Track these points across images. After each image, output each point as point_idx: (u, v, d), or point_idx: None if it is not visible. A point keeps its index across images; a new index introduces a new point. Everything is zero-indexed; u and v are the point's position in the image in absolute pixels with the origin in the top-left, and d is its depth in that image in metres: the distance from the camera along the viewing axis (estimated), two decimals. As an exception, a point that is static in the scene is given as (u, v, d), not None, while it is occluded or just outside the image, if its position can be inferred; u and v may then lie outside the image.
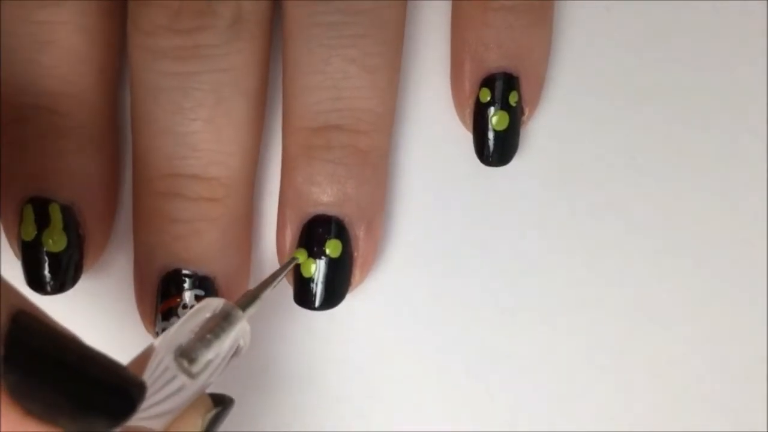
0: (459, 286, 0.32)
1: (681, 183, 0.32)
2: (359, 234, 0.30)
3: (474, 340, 0.32)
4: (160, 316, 0.29)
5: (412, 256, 0.32)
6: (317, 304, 0.30)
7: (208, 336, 0.24)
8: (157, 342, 0.24)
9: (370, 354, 0.32)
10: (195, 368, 0.24)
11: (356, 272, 0.30)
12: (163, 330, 0.28)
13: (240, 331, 0.25)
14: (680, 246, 0.32)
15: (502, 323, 0.32)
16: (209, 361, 0.24)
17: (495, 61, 0.30)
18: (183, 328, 0.24)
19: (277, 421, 0.32)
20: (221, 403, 0.26)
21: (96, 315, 0.32)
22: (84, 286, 0.30)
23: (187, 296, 0.29)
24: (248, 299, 0.26)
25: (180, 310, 0.29)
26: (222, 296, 0.29)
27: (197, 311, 0.25)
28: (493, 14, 0.30)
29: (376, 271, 0.32)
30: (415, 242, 0.32)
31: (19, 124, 0.29)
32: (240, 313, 0.25)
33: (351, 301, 0.30)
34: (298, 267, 0.30)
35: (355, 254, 0.30)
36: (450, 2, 0.32)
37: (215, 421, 0.25)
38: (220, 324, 0.24)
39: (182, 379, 0.23)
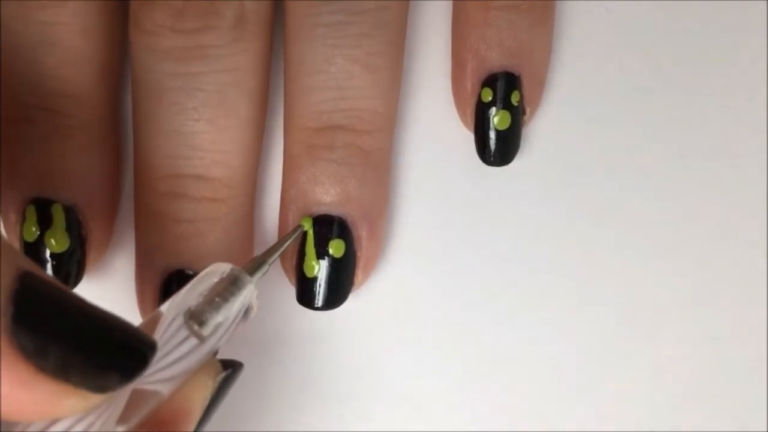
0: (460, 286, 0.32)
1: (681, 183, 0.32)
2: (362, 234, 0.30)
3: (474, 340, 0.32)
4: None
5: (412, 255, 0.32)
6: (320, 304, 0.30)
7: (217, 299, 0.24)
8: (165, 307, 0.24)
9: (371, 354, 0.32)
10: (205, 330, 0.24)
11: (359, 272, 0.30)
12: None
13: (248, 294, 0.25)
14: (680, 246, 0.32)
15: (502, 323, 0.32)
16: (219, 324, 0.24)
17: (497, 61, 0.30)
18: (191, 293, 0.24)
19: (277, 420, 0.32)
20: (231, 366, 0.26)
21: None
22: (86, 286, 0.30)
23: None
24: (255, 265, 0.26)
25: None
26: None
27: (205, 276, 0.25)
28: (495, 13, 0.30)
29: (378, 270, 0.32)
30: (416, 242, 0.32)
31: (22, 125, 0.29)
32: (247, 277, 0.25)
33: (353, 301, 0.30)
34: (301, 266, 0.30)
35: (358, 254, 0.30)
36: (451, 2, 0.32)
37: (225, 383, 0.26)
38: (228, 288, 0.25)
39: (191, 342, 0.23)
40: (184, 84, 0.28)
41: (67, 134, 0.29)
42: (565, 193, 0.32)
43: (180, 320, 0.24)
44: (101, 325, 0.21)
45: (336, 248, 0.29)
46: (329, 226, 0.29)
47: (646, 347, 0.32)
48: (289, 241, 0.28)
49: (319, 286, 0.30)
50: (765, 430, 0.32)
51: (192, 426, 0.25)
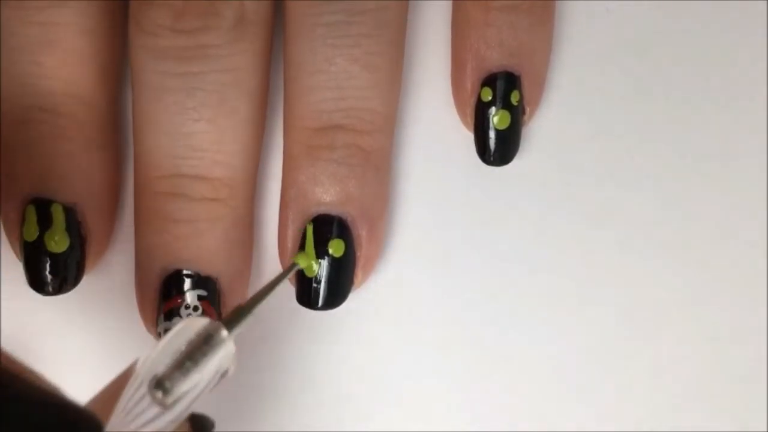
0: (460, 286, 0.32)
1: (681, 183, 0.32)
2: (362, 234, 0.30)
3: (474, 340, 0.32)
4: (162, 317, 0.29)
5: (412, 255, 0.32)
6: (320, 303, 0.30)
7: (188, 363, 0.22)
8: (138, 364, 0.22)
9: (371, 354, 0.32)
10: (169, 399, 0.22)
11: (359, 272, 0.30)
12: (166, 330, 0.28)
13: (224, 355, 0.23)
14: (680, 246, 0.32)
15: (502, 323, 0.32)
16: (187, 391, 0.22)
17: (497, 60, 0.30)
18: (164, 353, 0.23)
19: (277, 421, 0.32)
20: (200, 429, 0.24)
21: (97, 315, 0.32)
22: (86, 286, 0.30)
23: (189, 297, 0.29)
24: (237, 316, 0.24)
25: (182, 310, 0.29)
26: (224, 296, 0.30)
27: (179, 333, 0.23)
28: (496, 13, 0.30)
29: (378, 270, 0.32)
30: (416, 242, 0.32)
31: (21, 126, 0.29)
32: (223, 335, 0.23)
33: (353, 301, 0.30)
34: (300, 265, 0.30)
35: (358, 254, 0.30)
36: (451, 2, 0.32)
37: None
38: (201, 348, 0.23)
39: (157, 408, 0.22)
40: (184, 84, 0.28)
41: (67, 135, 0.29)
42: (565, 193, 0.32)
43: (146, 387, 0.22)
44: (34, 413, 0.18)
45: (336, 248, 0.29)
46: (329, 226, 0.29)
47: (646, 347, 0.32)
48: (279, 283, 0.27)
49: (319, 285, 0.30)
50: (765, 430, 0.32)
51: None
